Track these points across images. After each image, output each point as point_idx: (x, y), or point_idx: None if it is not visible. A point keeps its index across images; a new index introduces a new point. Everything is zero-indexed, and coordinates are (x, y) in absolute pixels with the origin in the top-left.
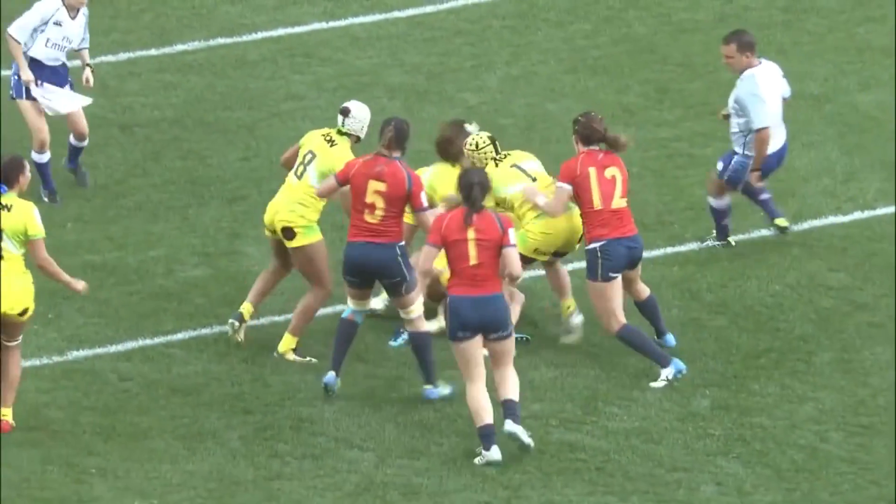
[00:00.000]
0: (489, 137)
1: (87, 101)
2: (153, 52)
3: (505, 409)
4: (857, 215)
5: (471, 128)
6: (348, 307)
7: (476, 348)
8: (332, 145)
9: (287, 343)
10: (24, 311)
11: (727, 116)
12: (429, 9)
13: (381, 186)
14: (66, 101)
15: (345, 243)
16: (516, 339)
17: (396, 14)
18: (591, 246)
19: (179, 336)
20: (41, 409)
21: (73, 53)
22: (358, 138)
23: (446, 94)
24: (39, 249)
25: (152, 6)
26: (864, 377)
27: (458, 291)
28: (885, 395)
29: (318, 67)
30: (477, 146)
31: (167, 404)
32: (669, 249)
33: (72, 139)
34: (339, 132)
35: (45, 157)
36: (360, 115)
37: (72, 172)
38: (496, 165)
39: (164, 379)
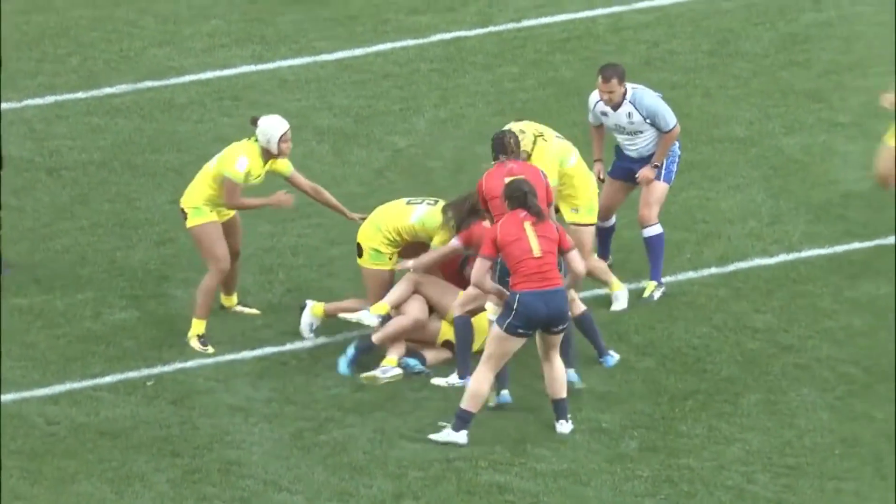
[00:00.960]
0: (521, 128)
1: None
2: (80, 95)
3: (559, 409)
4: (783, 257)
5: (514, 126)
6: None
7: (520, 345)
8: (242, 142)
9: (195, 328)
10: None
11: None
12: (357, 52)
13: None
14: None
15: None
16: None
17: (325, 57)
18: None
19: (107, 379)
20: None
21: None
22: (269, 152)
23: (375, 136)
24: None
25: (79, 49)
26: (790, 418)
27: (528, 287)
28: (811, 436)
29: (247, 110)
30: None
31: (95, 448)
32: (598, 291)
33: None
34: (255, 139)
35: None
36: (264, 127)
37: None
38: (545, 141)
39: (91, 422)
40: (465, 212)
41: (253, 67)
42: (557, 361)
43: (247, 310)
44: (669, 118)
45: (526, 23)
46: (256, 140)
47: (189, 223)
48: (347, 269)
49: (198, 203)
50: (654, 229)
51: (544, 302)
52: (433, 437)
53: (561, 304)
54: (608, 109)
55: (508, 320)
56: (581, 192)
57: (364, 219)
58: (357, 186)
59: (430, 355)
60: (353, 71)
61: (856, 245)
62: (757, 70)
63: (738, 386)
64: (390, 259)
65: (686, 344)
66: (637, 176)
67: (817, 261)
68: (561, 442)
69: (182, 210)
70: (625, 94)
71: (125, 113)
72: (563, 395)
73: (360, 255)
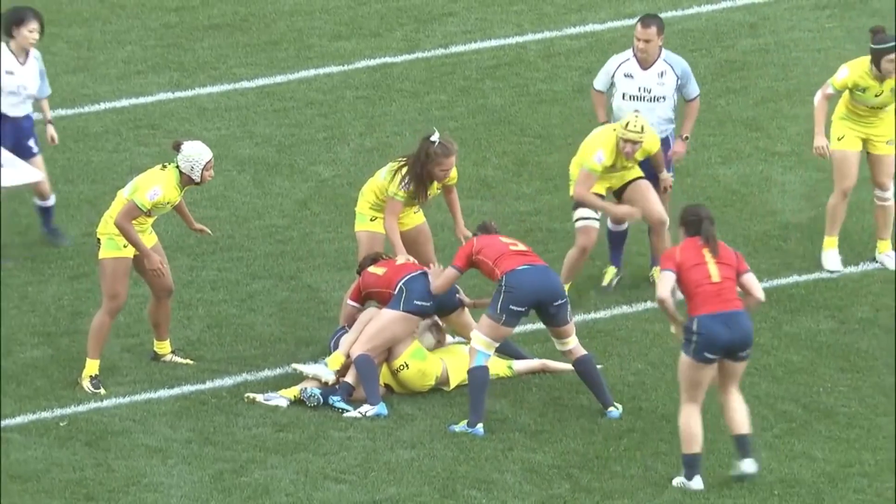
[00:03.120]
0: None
1: (38, 176)
2: None
3: (742, 445)
4: (780, 281)
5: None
6: (482, 354)
7: (712, 373)
8: (160, 168)
9: (88, 368)
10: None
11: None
12: (279, 79)
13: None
14: (10, 175)
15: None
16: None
17: (245, 84)
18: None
19: (18, 420)
20: None
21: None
22: (190, 178)
23: (298, 166)
24: None
25: None
26: (727, 458)
27: (706, 310)
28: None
29: (164, 139)
30: (626, 126)
31: (5, 492)
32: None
33: (36, 200)
34: (175, 165)
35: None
36: (188, 153)
37: (50, 236)
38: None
39: (1, 465)
40: (418, 172)
41: (170, 95)
42: (738, 394)
43: (180, 360)
44: (696, 84)
45: (454, 49)
46: (176, 166)
47: (101, 254)
48: (269, 303)
49: (111, 232)
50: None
51: (726, 324)
52: (675, 482)
53: (747, 329)
54: (635, 70)
55: (692, 347)
56: None
57: (205, 232)
58: (280, 218)
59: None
60: (275, 98)
61: (794, 278)
62: None
63: (675, 424)
64: (372, 221)
65: (620, 381)
66: (670, 154)
67: None
68: (492, 483)
69: (98, 239)
70: (660, 52)
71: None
72: (746, 430)
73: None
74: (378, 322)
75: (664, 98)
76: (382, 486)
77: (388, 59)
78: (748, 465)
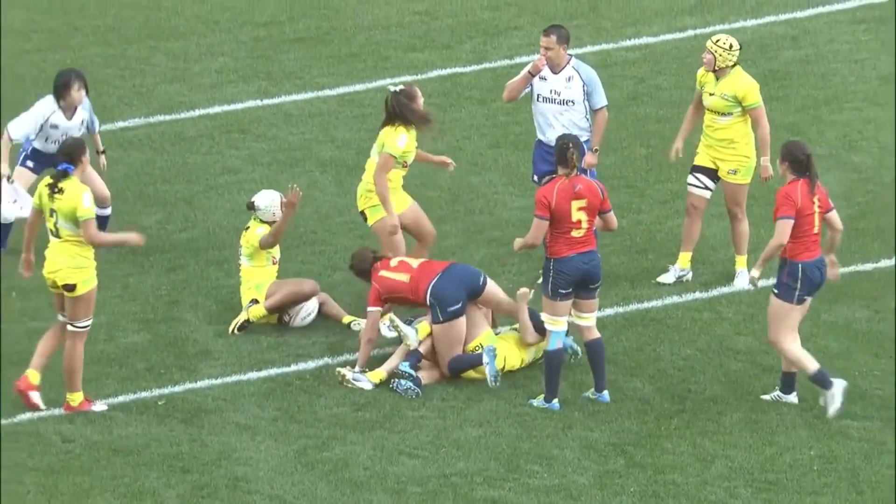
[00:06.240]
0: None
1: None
2: None
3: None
4: (763, 283)
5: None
6: (555, 335)
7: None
8: (247, 230)
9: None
10: (71, 288)
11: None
12: (358, 87)
13: (583, 203)
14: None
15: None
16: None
17: (327, 92)
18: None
19: (120, 399)
20: None
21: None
22: (274, 222)
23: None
24: (87, 229)
25: (94, 85)
26: (770, 436)
27: (808, 257)
28: (791, 453)
29: (253, 143)
30: (731, 47)
31: (108, 464)
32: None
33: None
34: (260, 220)
35: (11, 218)
36: (263, 203)
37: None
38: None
39: (105, 440)
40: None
41: (259, 102)
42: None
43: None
44: (603, 95)
45: (519, 60)
46: (261, 220)
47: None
48: (348, 293)
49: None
50: None
51: (820, 267)
52: (765, 397)
53: (825, 270)
54: (548, 73)
55: (797, 292)
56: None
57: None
58: (358, 215)
59: (426, 375)
60: (355, 105)
61: None
62: None
63: (721, 405)
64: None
65: (672, 365)
66: (584, 164)
67: None
68: (552, 458)
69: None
70: (569, 59)
71: (137, 146)
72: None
73: (366, 220)
74: (435, 340)
75: (573, 102)
76: (452, 461)
77: (458, 70)
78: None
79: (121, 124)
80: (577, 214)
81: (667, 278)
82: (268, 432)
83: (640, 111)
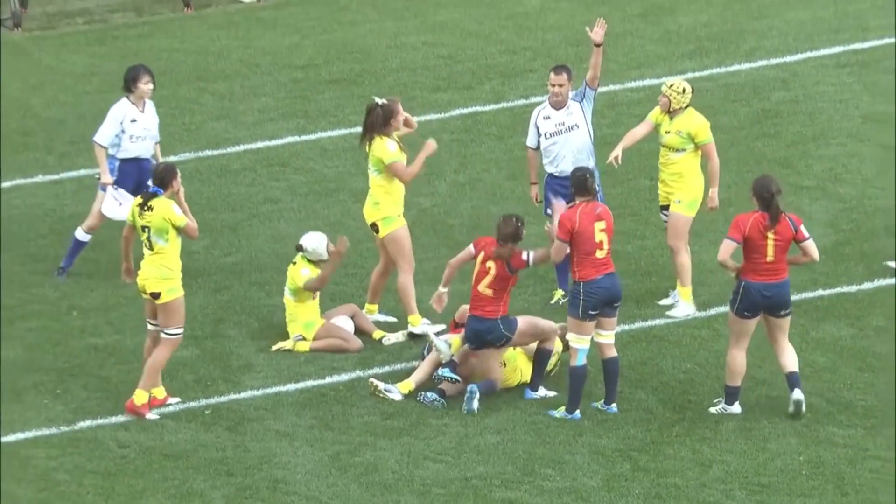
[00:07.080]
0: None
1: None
2: None
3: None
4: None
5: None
6: (581, 352)
7: (752, 327)
8: (294, 264)
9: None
10: (157, 296)
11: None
12: None
13: (603, 224)
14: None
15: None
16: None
17: (359, 129)
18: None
19: (170, 408)
20: (50, 472)
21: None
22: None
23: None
24: (188, 232)
25: None
26: (763, 443)
27: (753, 279)
28: (782, 459)
29: (292, 175)
30: (684, 91)
31: (160, 468)
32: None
33: None
34: (308, 259)
35: (87, 238)
36: (311, 245)
37: None
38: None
39: (157, 446)
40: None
41: (297, 138)
42: (787, 343)
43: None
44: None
45: (534, 99)
46: (309, 260)
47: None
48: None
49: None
50: None
51: (762, 291)
52: (711, 409)
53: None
54: (551, 112)
55: (737, 305)
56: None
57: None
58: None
59: (449, 387)
60: None
61: (819, 292)
62: (734, 140)
63: (718, 415)
64: (399, 216)
65: (673, 378)
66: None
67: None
68: (564, 463)
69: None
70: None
71: (187, 178)
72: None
73: (378, 231)
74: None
75: (577, 126)
76: (472, 465)
77: (479, 108)
78: (797, 394)
79: (172, 158)
80: (600, 236)
81: (668, 303)
82: (305, 439)
83: (644, 146)
